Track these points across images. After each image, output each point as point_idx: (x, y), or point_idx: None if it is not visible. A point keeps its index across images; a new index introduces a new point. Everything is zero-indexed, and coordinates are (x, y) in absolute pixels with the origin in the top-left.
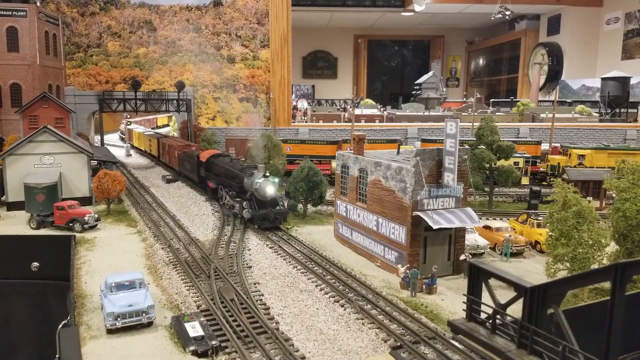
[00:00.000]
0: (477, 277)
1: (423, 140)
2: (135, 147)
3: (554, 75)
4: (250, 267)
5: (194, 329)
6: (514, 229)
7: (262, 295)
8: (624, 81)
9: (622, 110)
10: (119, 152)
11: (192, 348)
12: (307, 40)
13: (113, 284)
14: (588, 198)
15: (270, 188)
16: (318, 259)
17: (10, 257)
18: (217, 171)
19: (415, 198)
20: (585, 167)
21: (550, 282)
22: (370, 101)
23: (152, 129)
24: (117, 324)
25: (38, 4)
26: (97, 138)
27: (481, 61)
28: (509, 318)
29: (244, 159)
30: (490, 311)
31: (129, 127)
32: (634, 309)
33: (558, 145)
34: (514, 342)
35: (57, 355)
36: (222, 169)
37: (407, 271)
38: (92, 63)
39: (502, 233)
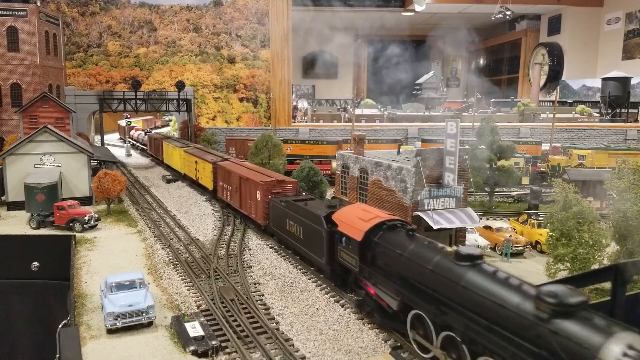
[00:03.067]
0: None
1: (423, 141)
2: (167, 165)
3: (554, 75)
4: (251, 267)
5: (194, 329)
6: (515, 229)
7: (263, 295)
8: (624, 81)
9: (623, 110)
10: (119, 152)
11: (192, 348)
12: (307, 39)
13: (113, 284)
14: (588, 198)
15: None
16: None
17: (11, 257)
18: (419, 279)
19: (415, 198)
20: (586, 167)
21: (551, 282)
22: (370, 101)
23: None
24: (117, 323)
25: (38, 4)
26: (97, 138)
27: (482, 61)
28: None
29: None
30: None
31: (150, 134)
32: (635, 309)
33: (558, 145)
34: None
35: (57, 355)
36: (453, 287)
37: None
38: (92, 63)
39: (502, 233)
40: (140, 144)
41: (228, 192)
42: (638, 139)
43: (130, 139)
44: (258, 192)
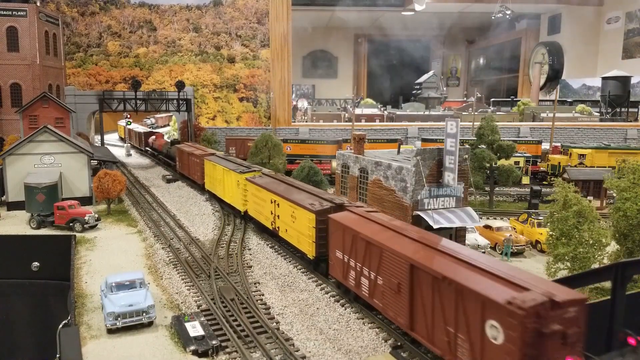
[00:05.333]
0: None
1: (423, 140)
2: (210, 192)
3: (554, 75)
4: (251, 266)
5: (195, 329)
6: (515, 229)
7: (263, 294)
8: (624, 80)
9: (623, 109)
10: (119, 152)
11: (192, 348)
12: (307, 39)
13: (113, 284)
14: (588, 198)
15: None
16: None
17: (11, 257)
18: None
19: (415, 198)
20: (586, 166)
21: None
22: (370, 100)
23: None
24: (118, 323)
25: (38, 4)
26: (97, 138)
27: (481, 60)
28: None
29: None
30: None
31: (179, 146)
32: (635, 308)
33: (558, 144)
34: None
35: (57, 355)
36: None
37: None
38: (92, 63)
39: (502, 232)
40: (164, 156)
41: (363, 279)
42: (638, 138)
43: (147, 148)
44: (499, 328)
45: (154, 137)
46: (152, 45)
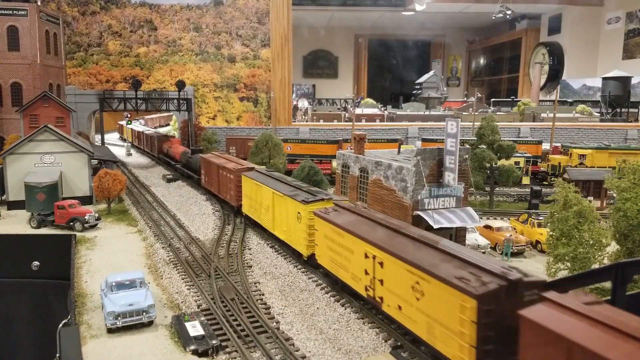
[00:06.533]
0: None
1: (424, 140)
2: (249, 217)
3: (554, 75)
4: (251, 266)
5: (195, 328)
6: (515, 229)
7: (263, 294)
8: (624, 81)
9: (623, 110)
10: (119, 152)
11: (192, 347)
12: (307, 39)
13: (113, 283)
14: (589, 198)
15: None
16: None
17: (11, 256)
18: None
19: (415, 197)
20: (586, 166)
21: (551, 282)
22: (370, 100)
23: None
24: (118, 323)
25: (39, 3)
26: (98, 137)
27: (482, 60)
28: None
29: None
30: None
31: (204, 155)
32: (635, 308)
33: (559, 145)
34: None
35: (57, 354)
36: None
37: None
38: (93, 62)
39: (502, 233)
40: (183, 166)
41: None
42: (638, 138)
43: (161, 155)
44: None
45: (169, 142)
46: (153, 45)
